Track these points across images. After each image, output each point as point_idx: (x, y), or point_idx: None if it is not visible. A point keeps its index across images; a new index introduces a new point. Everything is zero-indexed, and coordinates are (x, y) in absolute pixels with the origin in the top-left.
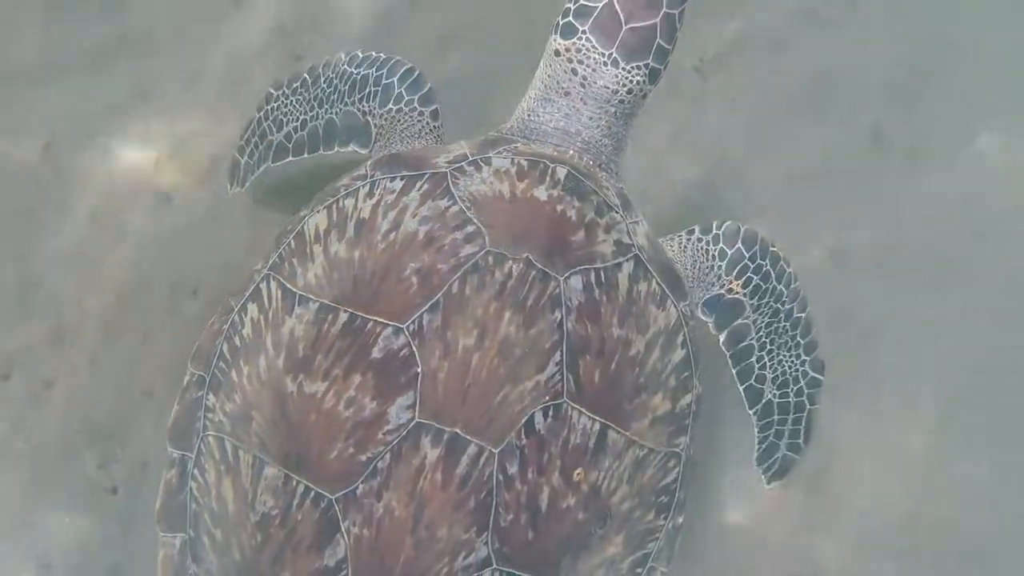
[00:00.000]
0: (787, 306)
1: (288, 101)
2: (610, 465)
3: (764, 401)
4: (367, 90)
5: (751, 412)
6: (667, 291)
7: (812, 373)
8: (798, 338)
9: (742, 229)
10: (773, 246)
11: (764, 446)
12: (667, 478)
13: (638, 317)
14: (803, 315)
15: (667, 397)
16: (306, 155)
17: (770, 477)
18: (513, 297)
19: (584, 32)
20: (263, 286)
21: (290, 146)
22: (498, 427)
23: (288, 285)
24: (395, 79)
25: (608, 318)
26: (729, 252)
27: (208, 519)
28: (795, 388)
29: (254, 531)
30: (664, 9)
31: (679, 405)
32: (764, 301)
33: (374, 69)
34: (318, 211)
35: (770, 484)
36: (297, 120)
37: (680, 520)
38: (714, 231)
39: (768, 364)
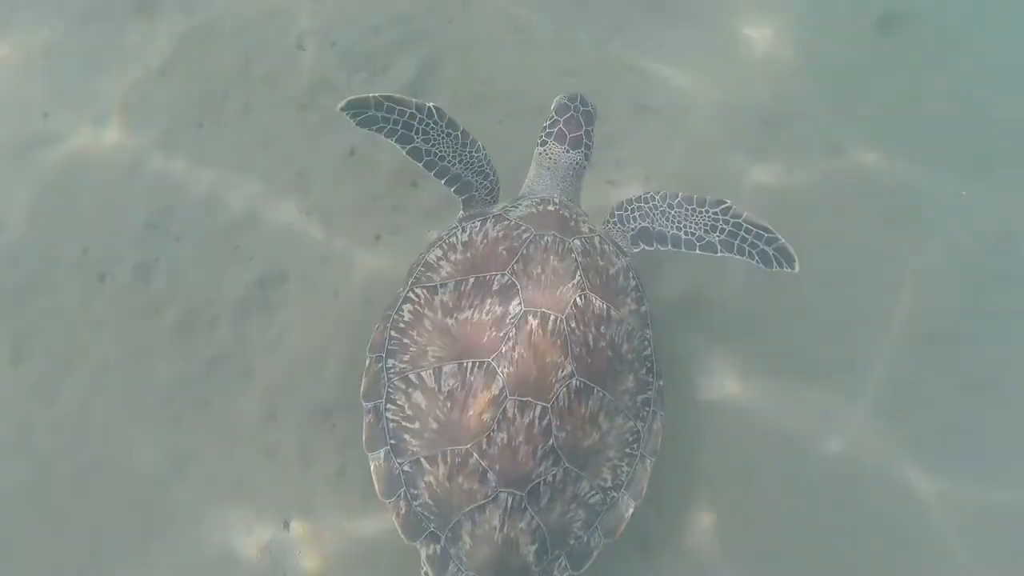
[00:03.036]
0: (668, 201)
1: (438, 129)
2: (615, 329)
3: (713, 243)
4: (487, 182)
5: (719, 254)
6: (619, 248)
7: (720, 209)
8: (694, 204)
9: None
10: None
11: (757, 257)
12: (646, 350)
13: (609, 257)
14: (682, 197)
15: (632, 300)
16: (432, 174)
17: (784, 261)
18: (553, 250)
19: (548, 139)
20: (410, 294)
21: (427, 158)
22: (562, 306)
23: (429, 284)
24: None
25: (595, 257)
26: (619, 215)
27: (404, 423)
28: (723, 223)
29: (444, 402)
30: (584, 128)
31: (640, 310)
32: (655, 212)
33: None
34: (433, 248)
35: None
36: (441, 150)
37: (661, 383)
38: (609, 216)
39: (688, 226)
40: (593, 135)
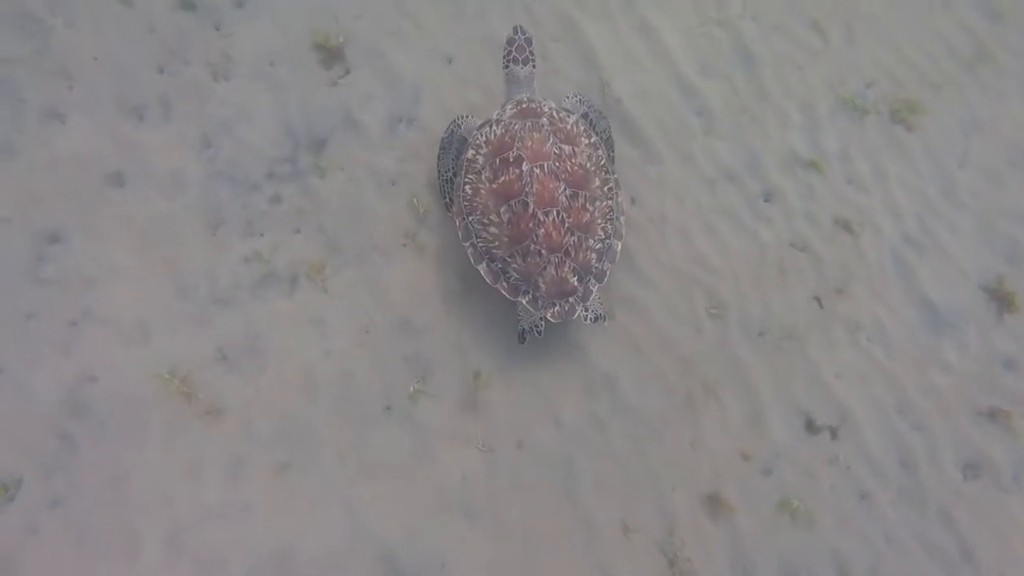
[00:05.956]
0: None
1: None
2: (580, 156)
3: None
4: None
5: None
6: (568, 111)
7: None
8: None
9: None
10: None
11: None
12: (602, 161)
13: (565, 119)
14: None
15: (585, 137)
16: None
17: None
18: (537, 130)
19: (510, 63)
20: (464, 179)
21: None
22: (548, 157)
23: (474, 171)
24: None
25: (556, 122)
26: (570, 103)
27: (490, 245)
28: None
29: (506, 225)
30: (528, 49)
31: (592, 141)
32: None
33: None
34: (469, 150)
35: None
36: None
37: (616, 176)
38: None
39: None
40: (534, 51)
